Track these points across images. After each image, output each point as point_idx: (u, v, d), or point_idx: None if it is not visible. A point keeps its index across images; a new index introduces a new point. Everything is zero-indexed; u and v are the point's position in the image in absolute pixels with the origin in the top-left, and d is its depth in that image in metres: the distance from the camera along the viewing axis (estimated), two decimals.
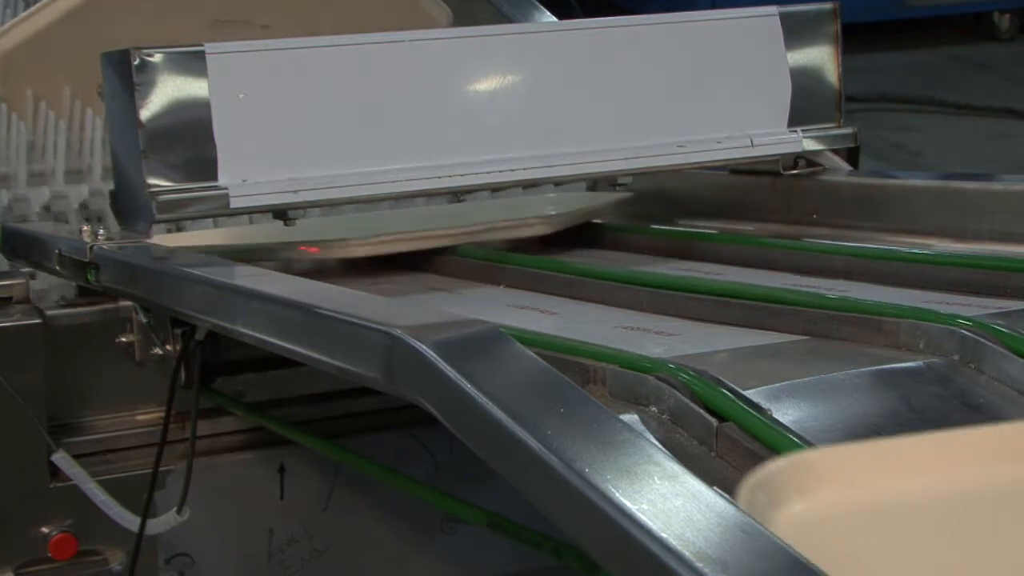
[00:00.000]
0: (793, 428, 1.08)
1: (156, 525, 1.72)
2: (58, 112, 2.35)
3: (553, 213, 2.10)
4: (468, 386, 0.98)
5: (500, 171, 1.79)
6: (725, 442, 1.07)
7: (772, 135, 1.96)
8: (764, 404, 1.11)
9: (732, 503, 0.81)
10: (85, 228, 1.68)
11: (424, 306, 1.63)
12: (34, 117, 2.38)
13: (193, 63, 1.68)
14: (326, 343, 1.20)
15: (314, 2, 2.52)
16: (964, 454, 1.05)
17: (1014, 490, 1.03)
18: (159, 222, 1.69)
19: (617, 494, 0.82)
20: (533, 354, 1.06)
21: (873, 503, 0.99)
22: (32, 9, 2.45)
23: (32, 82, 2.40)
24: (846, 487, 0.99)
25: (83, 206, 2.18)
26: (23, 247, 1.86)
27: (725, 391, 1.11)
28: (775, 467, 0.98)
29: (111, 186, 1.82)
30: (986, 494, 1.03)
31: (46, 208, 2.17)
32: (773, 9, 1.98)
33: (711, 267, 1.82)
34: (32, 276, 1.83)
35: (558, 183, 2.17)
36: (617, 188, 1.93)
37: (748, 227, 2.04)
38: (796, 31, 1.98)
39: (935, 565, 0.94)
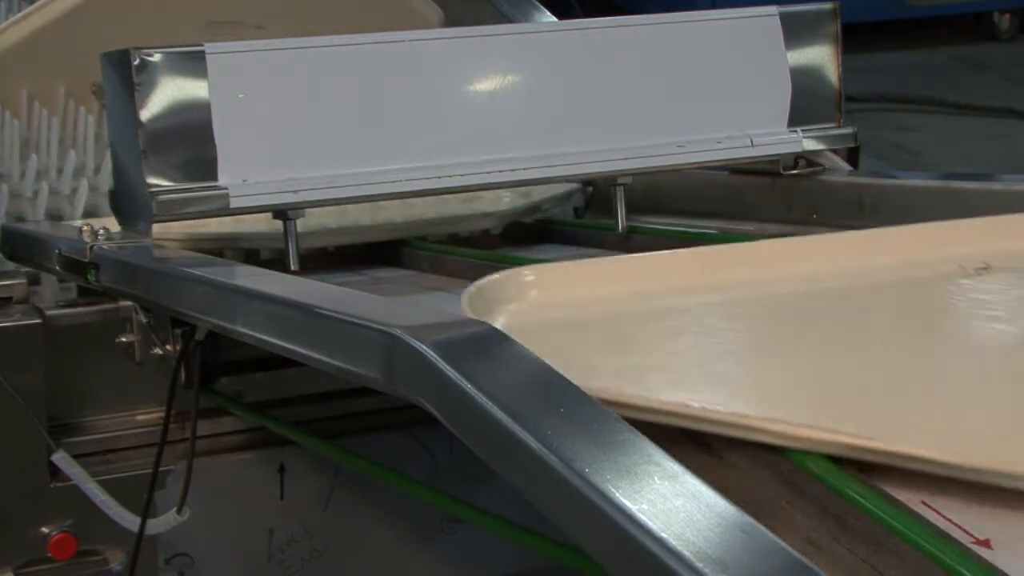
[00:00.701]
0: None
1: (156, 525, 1.72)
2: (52, 111, 2.36)
3: (507, 208, 2.11)
4: (468, 386, 0.98)
5: (500, 171, 1.79)
6: None
7: (772, 135, 1.96)
8: None
9: (732, 503, 0.80)
10: (85, 228, 1.68)
11: (424, 306, 1.63)
12: (28, 115, 2.38)
13: (193, 63, 1.67)
14: (326, 343, 1.20)
15: (307, 3, 2.53)
16: (655, 271, 1.32)
17: (695, 299, 1.28)
18: (159, 222, 1.69)
19: (617, 494, 0.81)
20: (533, 354, 1.06)
21: (572, 303, 1.24)
22: (28, 9, 2.46)
23: (27, 81, 2.40)
24: (552, 292, 1.25)
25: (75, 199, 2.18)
26: (23, 247, 1.86)
27: None
28: (494, 278, 1.22)
29: (98, 180, 1.81)
30: (675, 302, 1.28)
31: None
32: (773, 9, 1.98)
33: None
34: None
35: (558, 183, 2.17)
36: (616, 188, 1.93)
37: (748, 227, 2.04)
38: (796, 31, 1.98)
39: (615, 352, 1.16)
